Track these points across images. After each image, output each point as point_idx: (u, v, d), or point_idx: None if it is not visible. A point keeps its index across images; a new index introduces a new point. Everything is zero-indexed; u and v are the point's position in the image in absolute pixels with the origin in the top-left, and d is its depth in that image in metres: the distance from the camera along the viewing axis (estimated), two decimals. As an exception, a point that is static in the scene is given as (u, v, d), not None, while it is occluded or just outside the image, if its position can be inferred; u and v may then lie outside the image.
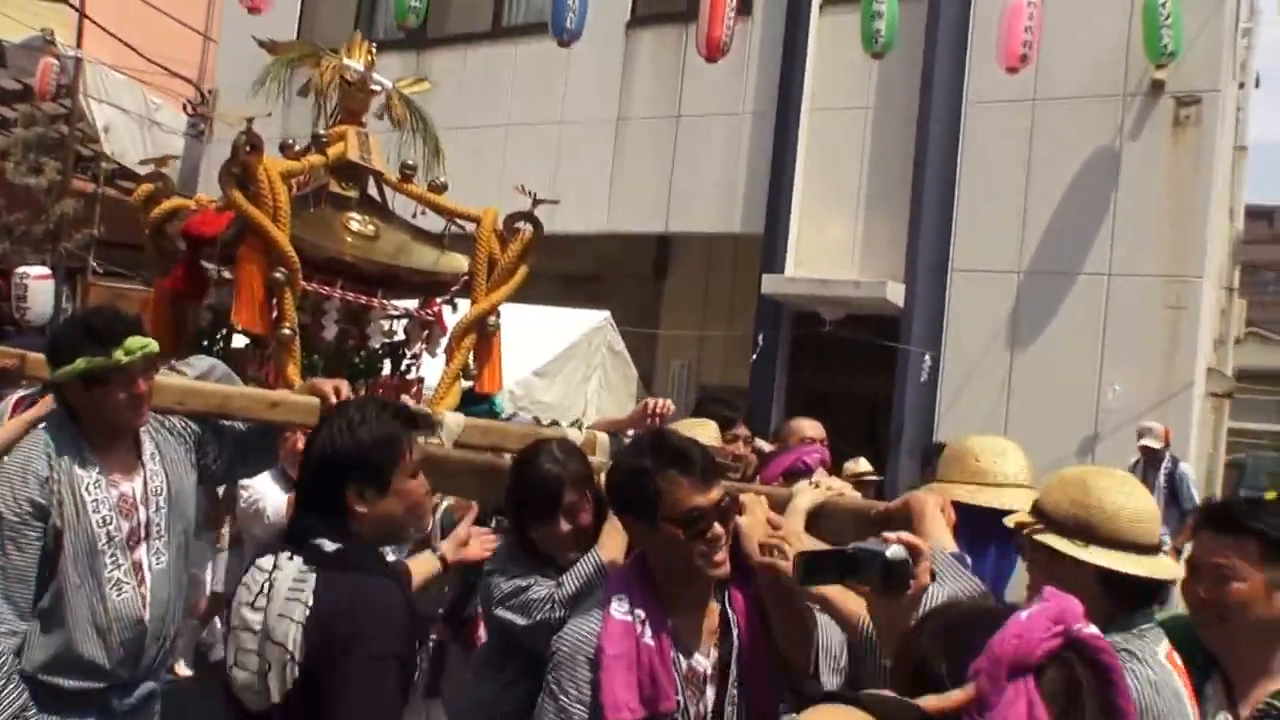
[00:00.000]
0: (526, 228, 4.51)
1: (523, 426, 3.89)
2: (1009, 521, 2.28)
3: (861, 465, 7.18)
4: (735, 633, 2.30)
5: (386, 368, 4.82)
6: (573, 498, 2.71)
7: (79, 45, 14.29)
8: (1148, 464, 8.84)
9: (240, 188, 4.03)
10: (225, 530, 6.86)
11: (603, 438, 3.54)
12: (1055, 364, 9.71)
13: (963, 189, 10.31)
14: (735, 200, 11.58)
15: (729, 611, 2.32)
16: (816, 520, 2.50)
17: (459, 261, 4.64)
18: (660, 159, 12.01)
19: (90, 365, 2.86)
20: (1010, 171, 10.12)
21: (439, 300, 4.77)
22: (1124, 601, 2.10)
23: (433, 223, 4.96)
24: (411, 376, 4.83)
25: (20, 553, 2.80)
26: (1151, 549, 2.13)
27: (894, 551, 1.86)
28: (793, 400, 11.07)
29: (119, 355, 2.86)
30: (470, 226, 4.64)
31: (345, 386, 3.18)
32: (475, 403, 4.44)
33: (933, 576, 1.96)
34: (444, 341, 4.71)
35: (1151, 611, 2.15)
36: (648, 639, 2.20)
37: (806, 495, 2.54)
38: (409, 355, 4.89)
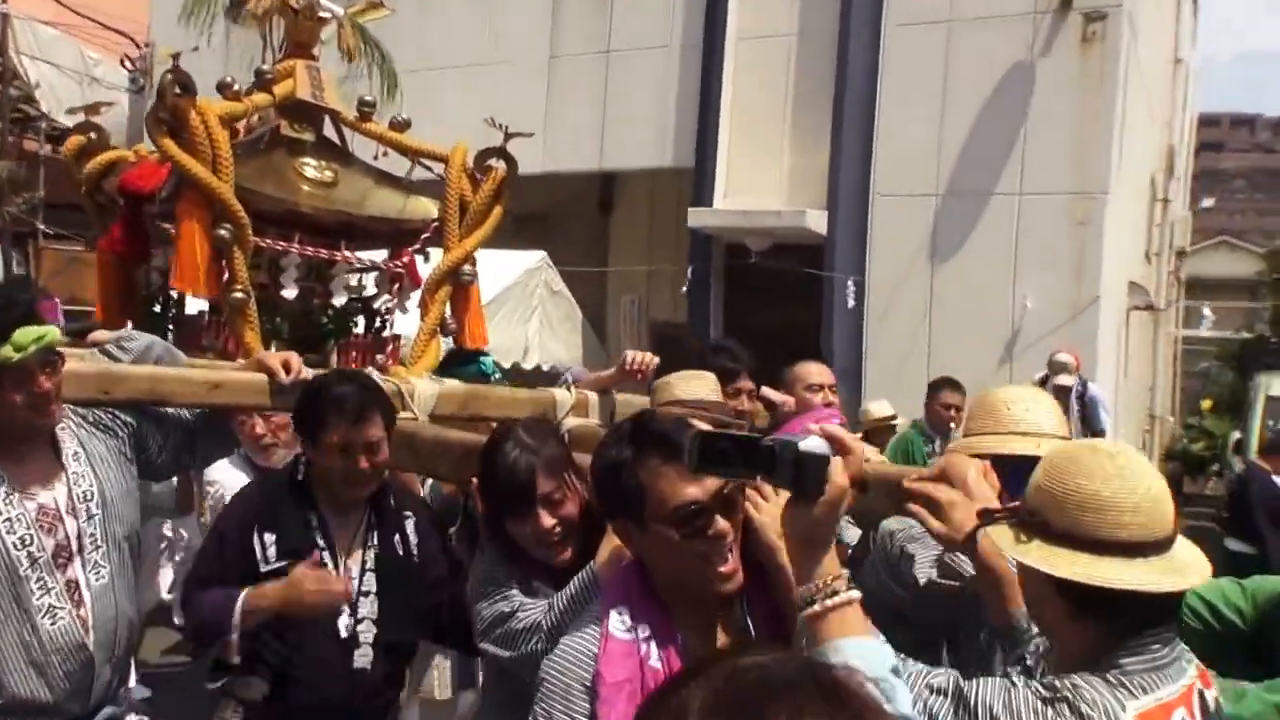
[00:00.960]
0: (499, 165, 4.05)
1: (501, 391, 3.54)
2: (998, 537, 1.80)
3: (884, 409, 6.74)
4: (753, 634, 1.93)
5: (359, 326, 4.40)
6: (548, 487, 2.35)
7: (4, 0, 14.13)
8: (1058, 393, 9.18)
9: (172, 135, 3.53)
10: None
11: (593, 397, 3.35)
12: (972, 282, 10.03)
13: (882, 114, 10.53)
14: (668, 134, 11.77)
15: (748, 621, 1.94)
16: None
17: (427, 206, 4.24)
18: (593, 96, 12.16)
19: None
20: (928, 95, 10.34)
21: (409, 250, 4.37)
22: (1110, 625, 1.60)
23: (395, 164, 4.55)
24: (386, 334, 4.42)
25: None
26: (1131, 548, 1.57)
27: (809, 444, 1.53)
28: (729, 332, 11.40)
29: (7, 352, 2.47)
30: (438, 168, 4.16)
31: (296, 360, 2.91)
32: (463, 362, 4.05)
33: (863, 487, 1.64)
34: (415, 295, 4.36)
35: (1153, 643, 1.59)
36: (654, 661, 1.87)
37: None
38: (381, 311, 4.48)
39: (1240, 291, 30.38)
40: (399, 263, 4.37)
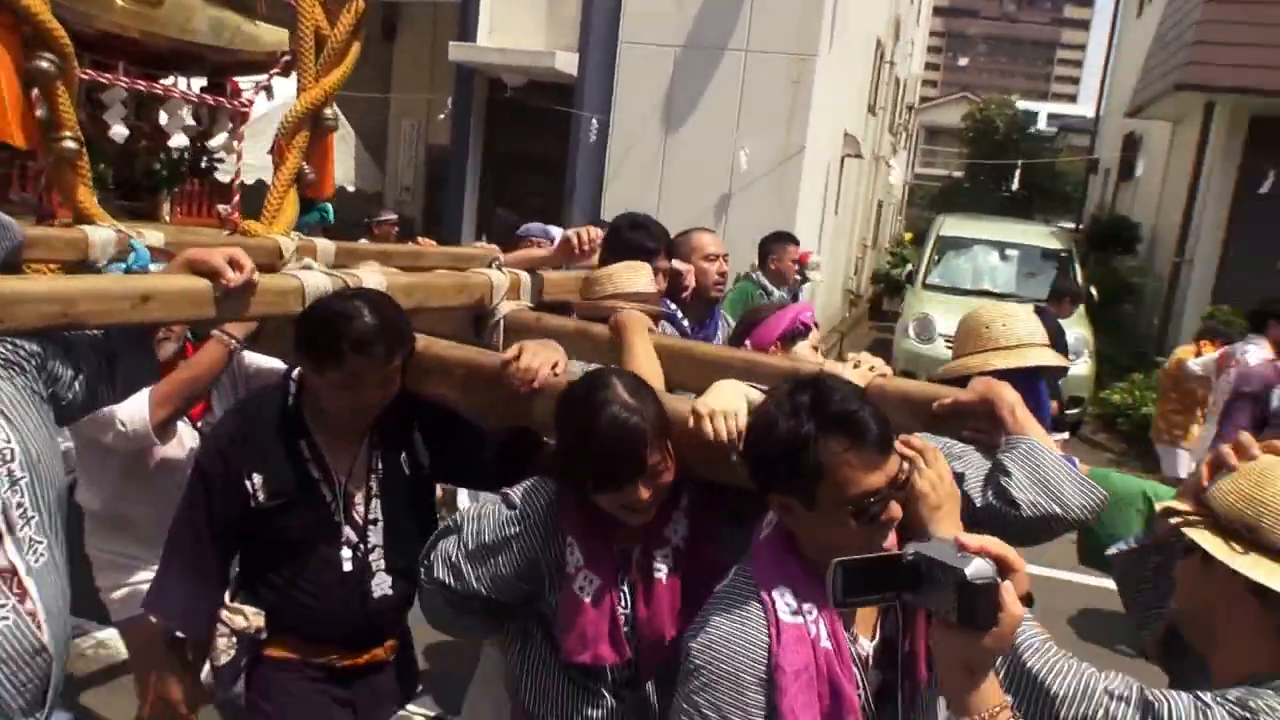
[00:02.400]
0: None
1: (442, 279, 3.01)
2: (1158, 508, 1.83)
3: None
4: (898, 609, 1.85)
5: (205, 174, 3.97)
6: (655, 457, 2.05)
7: None
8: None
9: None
10: None
11: (525, 277, 3.09)
12: (701, 131, 11.38)
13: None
14: (442, -34, 12.35)
15: None
16: None
17: (276, 35, 3.78)
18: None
19: None
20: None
21: (258, 84, 3.85)
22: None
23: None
24: (227, 181, 3.96)
25: None
26: None
27: (976, 570, 1.36)
28: (488, 160, 12.47)
29: None
30: (288, -4, 3.54)
31: (245, 257, 2.31)
32: (303, 211, 3.57)
33: (1029, 601, 1.53)
34: (237, 132, 3.81)
35: None
36: (824, 642, 1.76)
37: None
38: (215, 152, 3.98)
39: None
40: (228, 93, 3.82)
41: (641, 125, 11.61)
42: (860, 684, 1.78)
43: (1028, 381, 2.40)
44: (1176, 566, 1.75)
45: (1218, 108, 11.64)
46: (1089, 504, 1.98)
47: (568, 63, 11.47)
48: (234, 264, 2.25)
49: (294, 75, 3.34)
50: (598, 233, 3.41)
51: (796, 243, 6.41)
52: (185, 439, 3.13)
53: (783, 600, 1.76)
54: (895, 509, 1.75)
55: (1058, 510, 1.95)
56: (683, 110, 11.53)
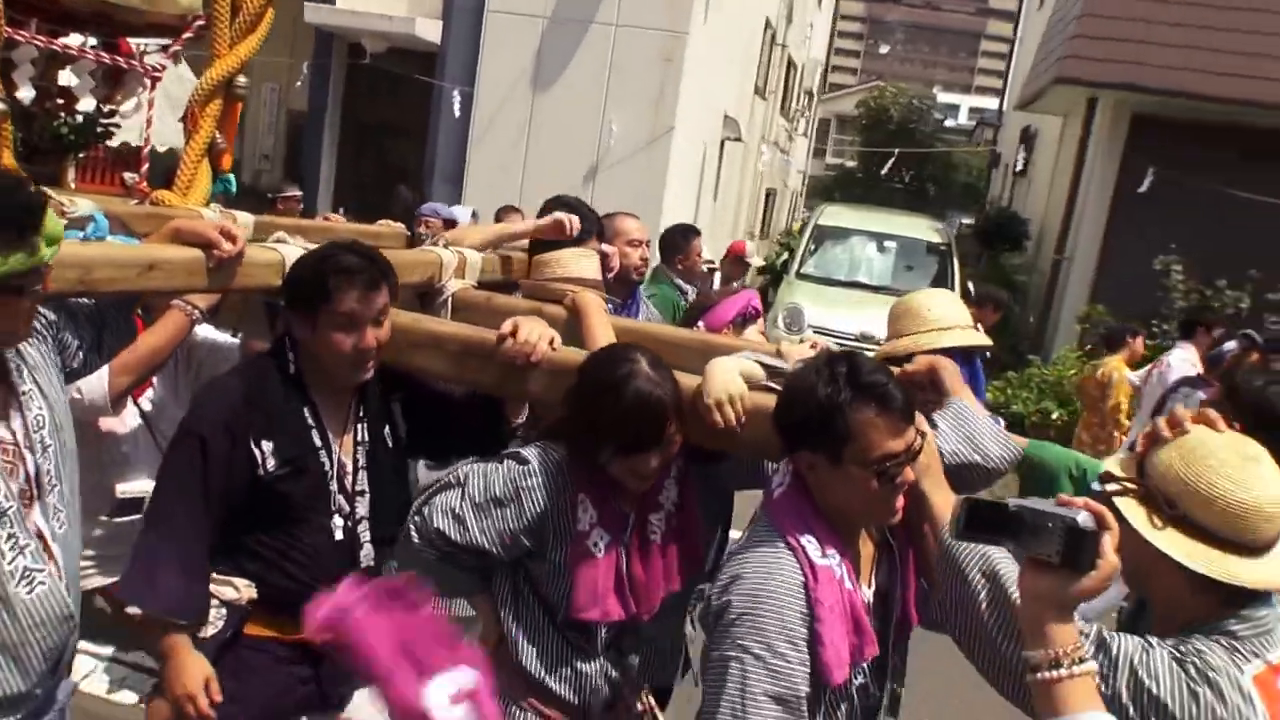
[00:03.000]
0: None
1: (404, 255, 3.00)
2: (1102, 472, 1.94)
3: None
4: (897, 560, 2.09)
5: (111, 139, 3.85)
6: (672, 428, 2.21)
7: None
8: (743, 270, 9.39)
9: None
10: None
11: (474, 259, 3.05)
12: (569, 105, 10.81)
13: (502, -70, 10.88)
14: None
15: (890, 540, 2.11)
16: None
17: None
18: None
19: (13, 267, 1.87)
20: (543, -83, 10.77)
21: (170, 49, 3.76)
22: (1221, 596, 1.71)
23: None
24: (130, 145, 3.84)
25: None
26: (1261, 548, 1.71)
27: (1084, 519, 1.54)
28: (347, 128, 11.71)
29: (45, 252, 1.91)
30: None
31: (239, 228, 2.40)
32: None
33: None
34: (149, 97, 3.71)
35: (1258, 610, 1.73)
36: (847, 583, 1.95)
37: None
38: (128, 117, 3.86)
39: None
40: (120, 52, 3.68)
41: (507, 97, 11.00)
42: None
43: (962, 359, 2.64)
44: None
45: (1100, 103, 11.40)
46: (1007, 456, 2.25)
47: (430, 30, 10.80)
48: (227, 236, 2.33)
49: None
50: (578, 222, 3.36)
51: (698, 234, 6.23)
52: (127, 414, 3.12)
53: (812, 546, 1.93)
54: (909, 472, 1.95)
55: (978, 459, 2.21)
56: (549, 83, 10.95)
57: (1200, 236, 10.60)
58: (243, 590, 2.43)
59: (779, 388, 2.15)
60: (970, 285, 11.24)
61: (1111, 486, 1.81)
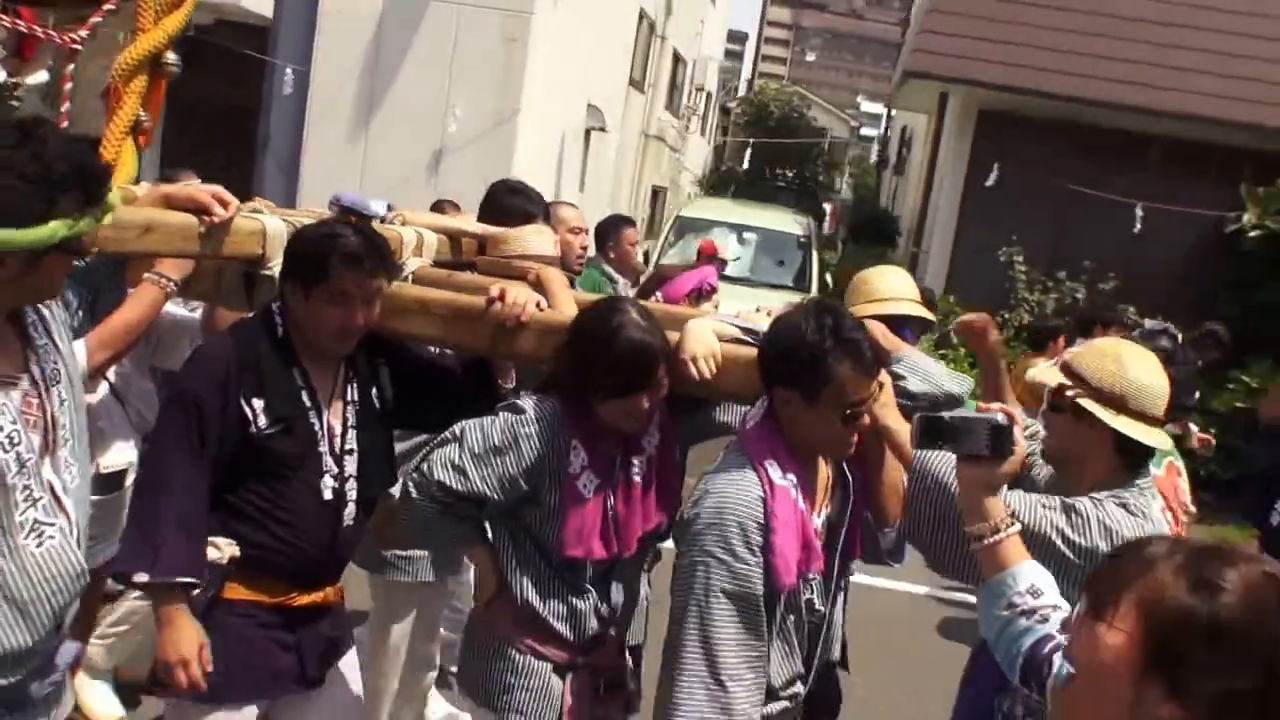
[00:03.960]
0: None
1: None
2: (1050, 381, 2.44)
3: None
4: (851, 490, 2.46)
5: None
6: (661, 372, 2.43)
7: None
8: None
9: None
10: None
11: (430, 238, 3.08)
12: (411, 86, 10.48)
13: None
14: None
15: (845, 472, 2.47)
16: None
17: None
18: None
19: (74, 231, 1.89)
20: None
21: (88, 19, 3.65)
22: (1131, 461, 2.35)
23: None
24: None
25: None
26: (1159, 422, 2.39)
27: (1002, 418, 1.96)
28: (172, 105, 11.19)
29: (106, 218, 1.97)
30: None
31: (226, 193, 2.47)
32: None
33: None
34: (63, 71, 3.64)
35: (1147, 469, 2.41)
36: (801, 503, 2.28)
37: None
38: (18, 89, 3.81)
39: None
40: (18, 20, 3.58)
41: (345, 77, 10.63)
42: None
43: (898, 330, 2.91)
44: (1045, 420, 2.47)
45: (951, 99, 11.44)
46: (963, 389, 2.66)
47: (261, 3, 10.40)
48: (220, 201, 2.42)
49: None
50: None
51: (632, 224, 6.20)
52: (99, 389, 3.19)
53: (774, 469, 2.25)
54: (868, 416, 2.32)
55: (941, 395, 2.58)
56: (390, 63, 10.60)
57: (1043, 229, 10.71)
58: (224, 549, 2.45)
59: (752, 341, 2.51)
60: (828, 277, 11.21)
61: (1070, 392, 2.37)
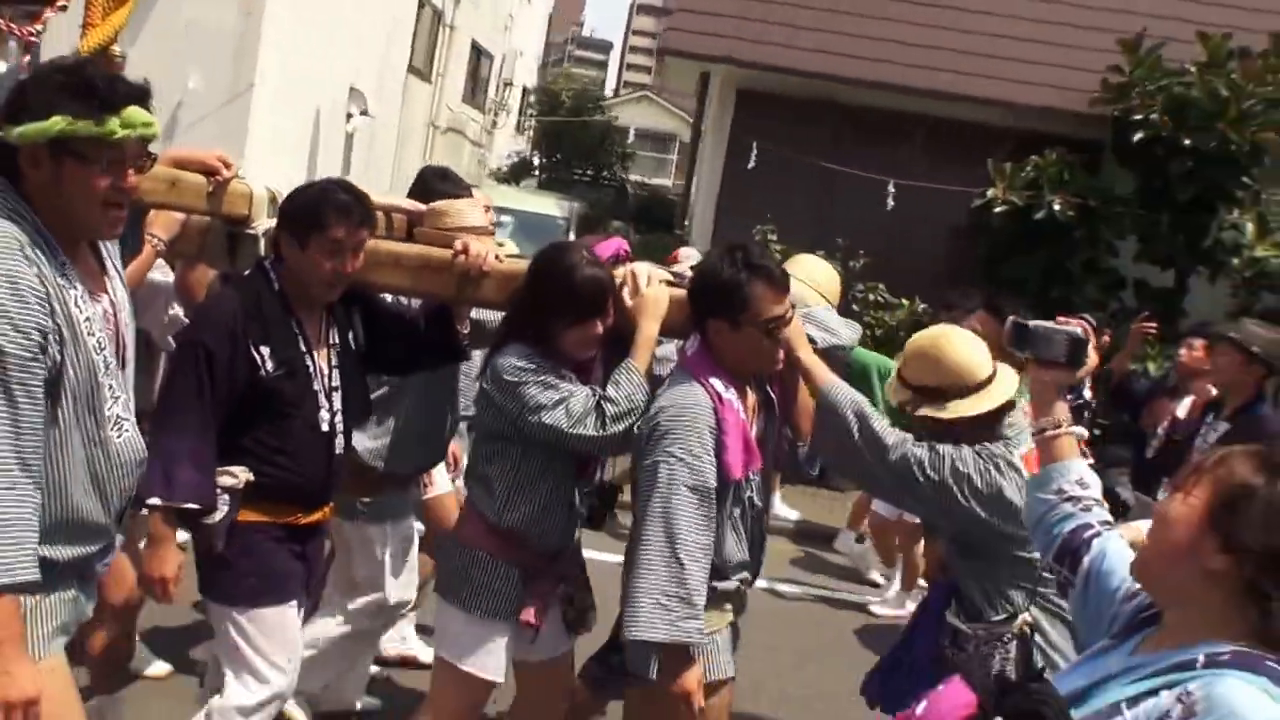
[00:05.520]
0: None
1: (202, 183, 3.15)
2: (894, 399, 3.08)
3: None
4: (775, 407, 2.93)
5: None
6: (611, 302, 2.91)
7: None
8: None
9: None
10: None
11: (259, 193, 3.20)
12: (142, 55, 9.83)
13: None
14: None
15: (769, 395, 2.93)
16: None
17: None
18: None
19: (71, 128, 2.12)
20: None
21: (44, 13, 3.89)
22: (991, 422, 2.85)
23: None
24: None
25: (30, 400, 2.08)
26: (989, 380, 2.84)
27: (1079, 332, 2.23)
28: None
29: (114, 125, 2.16)
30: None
31: (228, 156, 2.96)
32: None
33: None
34: (21, 63, 3.92)
35: (1002, 425, 2.90)
36: (742, 413, 2.73)
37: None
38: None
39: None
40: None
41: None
42: None
43: None
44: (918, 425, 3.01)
45: (712, 79, 11.38)
46: (854, 335, 3.31)
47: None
48: (224, 163, 2.95)
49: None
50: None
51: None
52: None
53: (718, 383, 2.72)
54: (785, 332, 2.77)
55: (837, 341, 3.14)
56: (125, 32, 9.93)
57: (801, 209, 10.71)
58: (239, 475, 2.80)
59: (681, 284, 2.92)
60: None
61: (910, 405, 2.98)
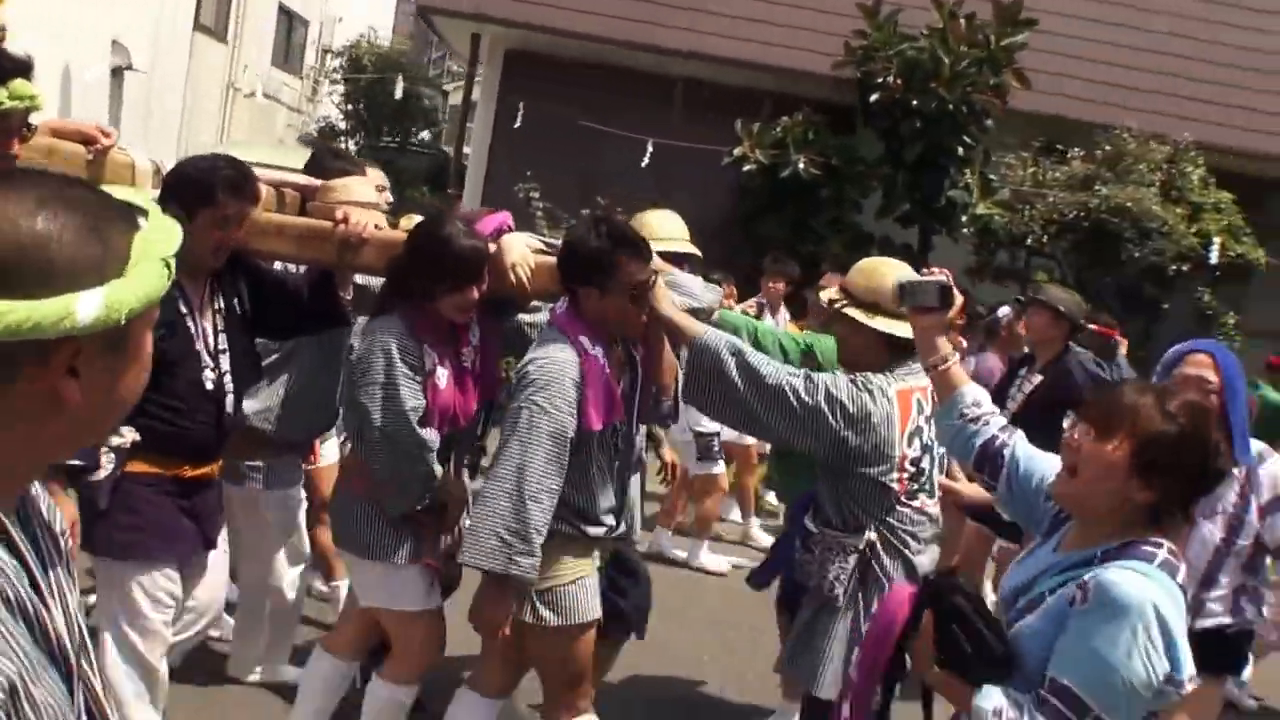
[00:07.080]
0: None
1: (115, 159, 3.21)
2: (824, 297, 3.29)
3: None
4: (637, 369, 3.10)
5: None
6: (486, 270, 3.06)
7: None
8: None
9: None
10: None
11: (143, 165, 3.23)
12: None
13: None
14: None
15: (633, 354, 3.10)
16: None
17: None
18: None
19: None
20: None
21: None
22: (901, 354, 3.00)
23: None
24: None
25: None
26: (900, 316, 2.90)
27: (944, 279, 2.56)
28: None
29: (1, 96, 2.43)
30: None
31: (108, 127, 3.06)
32: None
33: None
34: None
35: (910, 360, 2.96)
36: (607, 367, 2.92)
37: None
38: None
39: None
40: None
41: None
42: None
43: (676, 263, 3.74)
44: (834, 330, 3.29)
45: (481, 40, 11.41)
46: (715, 298, 3.46)
47: None
48: (103, 133, 2.98)
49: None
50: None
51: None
52: None
53: (585, 341, 2.89)
54: (650, 296, 2.90)
55: (698, 304, 3.25)
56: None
57: (566, 169, 10.86)
58: (126, 435, 2.86)
59: (550, 251, 3.11)
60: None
61: (837, 304, 3.13)
